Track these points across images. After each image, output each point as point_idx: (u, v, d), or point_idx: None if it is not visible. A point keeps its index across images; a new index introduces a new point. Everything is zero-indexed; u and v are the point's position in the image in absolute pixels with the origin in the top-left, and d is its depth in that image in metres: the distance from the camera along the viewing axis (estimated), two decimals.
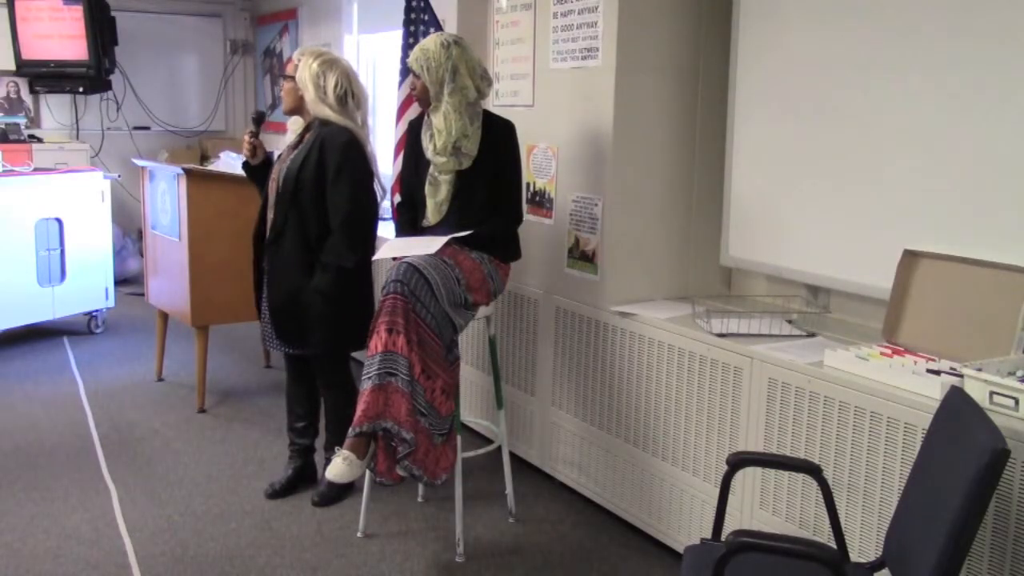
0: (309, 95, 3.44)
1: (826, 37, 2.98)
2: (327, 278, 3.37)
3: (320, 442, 3.78)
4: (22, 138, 7.00)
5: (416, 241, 3.16)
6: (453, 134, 3.13)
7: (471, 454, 3.40)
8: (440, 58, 3.13)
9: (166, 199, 4.78)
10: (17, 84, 7.34)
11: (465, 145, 3.15)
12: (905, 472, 2.24)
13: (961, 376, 2.25)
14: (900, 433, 2.35)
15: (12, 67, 7.12)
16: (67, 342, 5.85)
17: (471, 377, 4.14)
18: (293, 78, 3.49)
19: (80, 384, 5.02)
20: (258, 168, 3.63)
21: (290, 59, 3.57)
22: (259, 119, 3.66)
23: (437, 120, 3.17)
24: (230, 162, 5.05)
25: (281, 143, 3.78)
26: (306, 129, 3.53)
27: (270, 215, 3.52)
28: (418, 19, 4.21)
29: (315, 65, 3.44)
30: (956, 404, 2.03)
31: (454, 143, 3.14)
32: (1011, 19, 2.45)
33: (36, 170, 5.98)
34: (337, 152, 3.37)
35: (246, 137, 3.61)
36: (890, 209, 2.80)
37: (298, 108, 3.54)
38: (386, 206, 4.34)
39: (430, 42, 3.20)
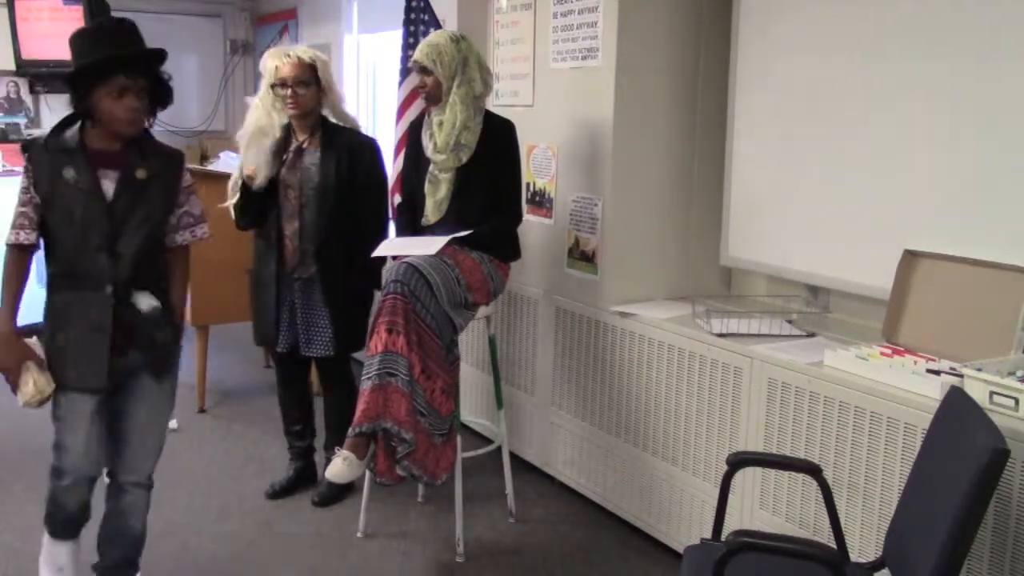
0: (336, 96, 3.45)
1: (826, 37, 2.97)
2: (366, 279, 3.51)
3: (319, 442, 3.78)
4: (22, 138, 6.99)
5: (416, 241, 3.17)
6: (457, 125, 3.13)
7: (471, 454, 3.40)
8: (452, 51, 3.14)
9: None
10: (17, 84, 7.34)
11: (465, 137, 3.15)
12: (905, 472, 2.24)
13: (961, 376, 2.25)
14: (900, 433, 2.35)
15: (12, 67, 7.11)
16: None
17: (471, 377, 4.13)
18: (316, 81, 3.38)
19: None
20: (256, 194, 3.40)
21: (294, 62, 3.37)
22: (279, 148, 3.43)
23: (443, 114, 3.17)
24: (230, 162, 5.05)
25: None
26: (309, 132, 3.46)
27: (290, 225, 3.45)
28: (418, 19, 4.21)
29: (328, 64, 3.44)
30: (956, 404, 2.03)
31: (456, 137, 3.14)
32: (1012, 19, 2.45)
33: None
34: (368, 159, 3.48)
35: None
36: (890, 209, 2.80)
37: (309, 112, 3.44)
38: None
39: (439, 37, 3.20)
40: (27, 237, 2.53)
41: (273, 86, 3.38)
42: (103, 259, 2.51)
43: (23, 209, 2.53)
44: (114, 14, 7.29)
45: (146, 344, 2.62)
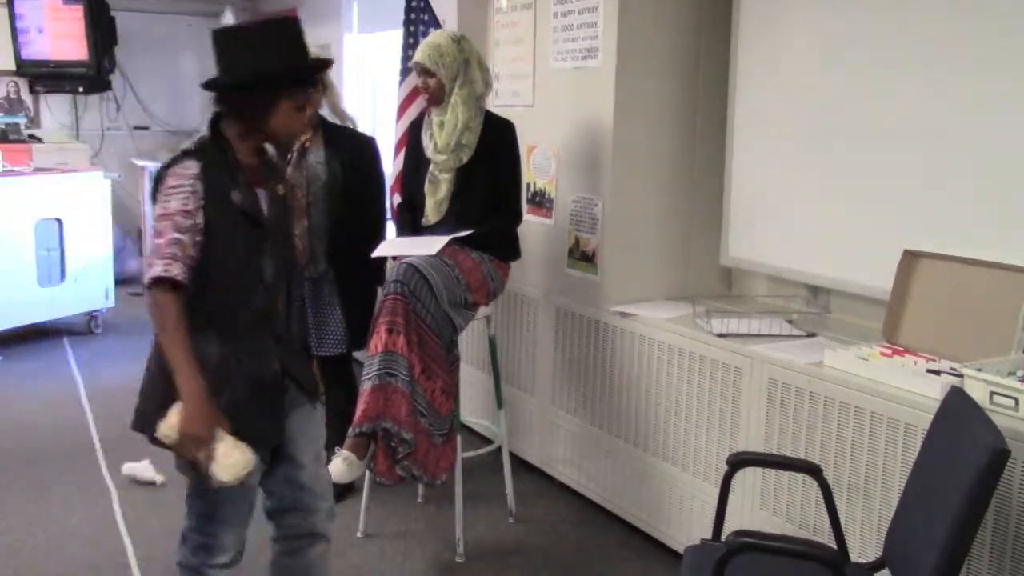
0: (335, 94, 3.46)
1: (826, 37, 2.97)
2: (374, 276, 3.51)
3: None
4: (22, 138, 6.99)
5: (416, 241, 3.17)
6: (458, 126, 3.13)
7: (471, 454, 3.40)
8: (454, 52, 3.13)
9: None
10: (17, 84, 7.34)
11: (466, 137, 3.15)
12: (905, 472, 2.24)
13: (961, 376, 2.25)
14: (900, 433, 2.35)
15: (12, 67, 7.11)
16: (67, 342, 5.85)
17: (471, 377, 4.13)
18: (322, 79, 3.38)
19: (80, 384, 5.02)
20: None
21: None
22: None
23: (444, 115, 3.16)
24: None
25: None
26: (311, 131, 3.43)
27: (298, 224, 3.38)
28: (418, 19, 4.21)
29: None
30: (956, 404, 2.03)
31: (457, 138, 3.14)
32: (1012, 19, 2.45)
33: (36, 170, 5.97)
34: (369, 157, 3.52)
35: None
36: (890, 209, 2.80)
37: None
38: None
39: (440, 38, 3.19)
40: (181, 273, 2.01)
41: None
42: (262, 295, 2.18)
43: (180, 236, 2.02)
44: (114, 14, 7.31)
45: (299, 374, 2.30)
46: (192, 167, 2.06)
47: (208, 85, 2.13)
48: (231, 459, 2.03)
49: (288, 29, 2.19)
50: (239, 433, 2.08)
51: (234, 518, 2.23)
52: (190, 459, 2.05)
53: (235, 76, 2.10)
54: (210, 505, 2.20)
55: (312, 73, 2.28)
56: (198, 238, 2.05)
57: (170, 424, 2.03)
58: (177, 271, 2.00)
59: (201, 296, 2.08)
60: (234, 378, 2.13)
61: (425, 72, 3.16)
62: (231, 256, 2.11)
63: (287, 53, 2.15)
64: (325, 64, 2.35)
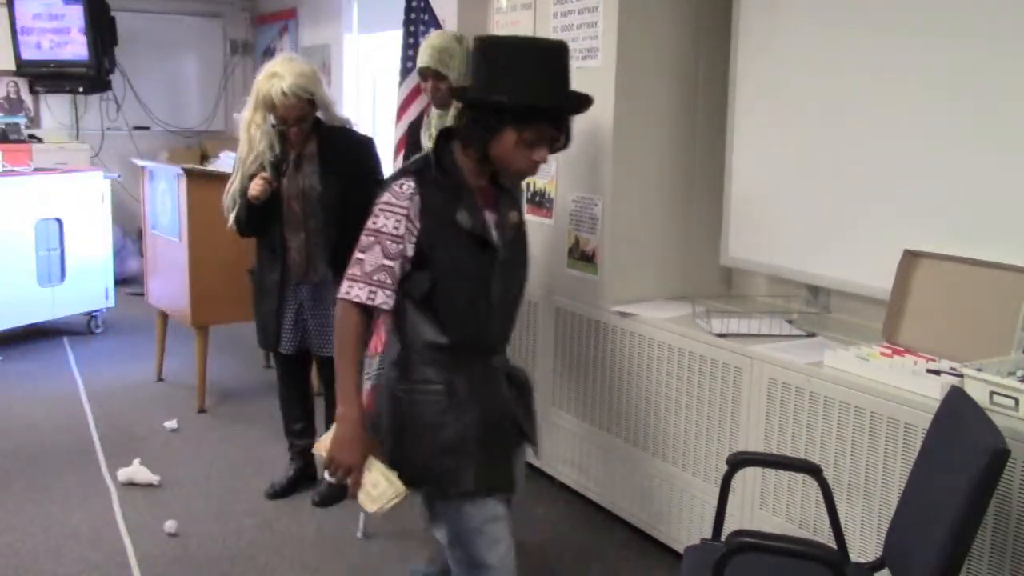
0: (327, 103, 3.41)
1: (826, 37, 2.98)
2: None
3: None
4: (22, 138, 7.00)
5: None
6: None
7: None
8: (460, 52, 3.14)
9: (166, 199, 4.78)
10: (17, 84, 7.34)
11: None
12: (905, 472, 2.24)
13: (961, 376, 2.25)
14: (900, 433, 2.35)
15: (12, 67, 7.12)
16: (67, 342, 5.85)
17: None
18: (314, 105, 3.34)
19: (80, 384, 5.02)
20: (259, 207, 3.34)
21: (292, 103, 3.24)
22: (278, 163, 3.36)
23: (445, 115, 3.16)
24: (230, 162, 5.05)
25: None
26: (304, 139, 3.39)
27: (295, 236, 3.42)
28: (418, 19, 4.21)
29: (320, 80, 3.40)
30: (956, 404, 2.03)
31: None
32: (1011, 20, 2.45)
33: (36, 170, 5.98)
34: (368, 156, 3.50)
35: (261, 183, 3.29)
36: (890, 209, 2.80)
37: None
38: None
39: (444, 40, 3.18)
40: (387, 300, 2.00)
41: (273, 126, 3.31)
42: (495, 325, 2.10)
43: (389, 263, 1.99)
44: (114, 14, 7.31)
45: (528, 413, 2.23)
46: (408, 187, 2.00)
47: (457, 95, 2.12)
48: (378, 490, 1.98)
49: (562, 61, 2.01)
50: (478, 471, 2.03)
51: (502, 562, 2.10)
52: (339, 482, 2.05)
53: (472, 93, 2.02)
54: (474, 554, 2.10)
55: (540, 112, 1.97)
56: (407, 267, 2.00)
57: (324, 445, 2.08)
58: (382, 299, 1.99)
59: (425, 318, 2.04)
60: (470, 413, 2.06)
61: (437, 76, 3.13)
62: (457, 278, 2.03)
63: (543, 88, 1.96)
64: (583, 103, 2.05)
